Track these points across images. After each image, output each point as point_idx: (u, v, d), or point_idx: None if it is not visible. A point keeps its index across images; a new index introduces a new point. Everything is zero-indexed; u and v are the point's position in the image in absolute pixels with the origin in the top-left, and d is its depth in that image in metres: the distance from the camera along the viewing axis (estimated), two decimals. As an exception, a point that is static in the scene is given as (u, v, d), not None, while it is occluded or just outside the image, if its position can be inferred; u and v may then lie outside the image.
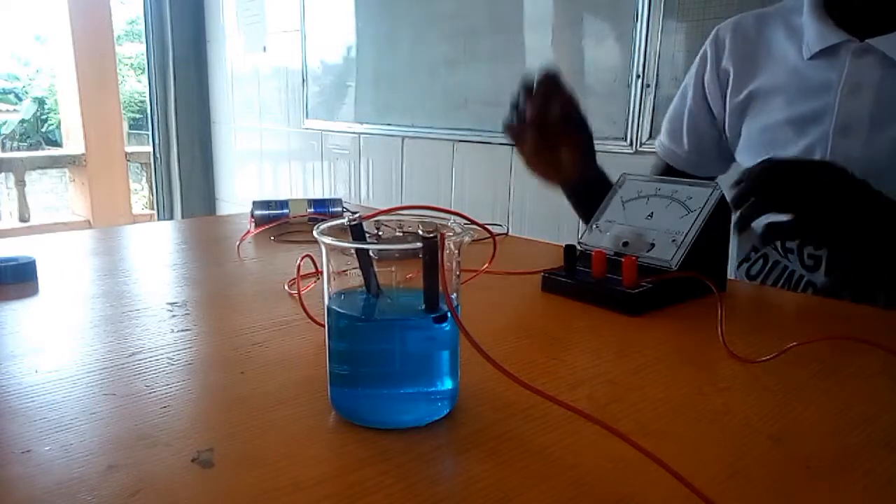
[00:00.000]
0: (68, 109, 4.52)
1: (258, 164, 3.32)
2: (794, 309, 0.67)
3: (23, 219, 4.41)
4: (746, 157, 0.93)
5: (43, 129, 9.96)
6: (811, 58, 0.83)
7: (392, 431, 0.40)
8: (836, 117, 0.80)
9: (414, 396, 0.41)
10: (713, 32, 0.96)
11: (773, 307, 0.68)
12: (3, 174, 4.75)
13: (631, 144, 1.71)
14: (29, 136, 9.96)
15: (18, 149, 9.08)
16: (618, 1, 1.70)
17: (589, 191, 0.93)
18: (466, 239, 0.40)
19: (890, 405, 0.45)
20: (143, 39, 3.57)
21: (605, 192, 0.80)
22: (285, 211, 1.04)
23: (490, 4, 2.04)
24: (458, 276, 0.42)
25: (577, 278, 0.67)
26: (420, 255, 0.38)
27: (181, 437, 0.39)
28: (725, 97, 0.94)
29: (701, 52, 0.97)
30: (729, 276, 0.73)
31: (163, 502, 0.33)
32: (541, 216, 2.01)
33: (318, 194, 2.90)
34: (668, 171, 1.04)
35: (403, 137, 2.43)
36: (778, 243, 0.88)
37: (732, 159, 0.99)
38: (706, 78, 0.95)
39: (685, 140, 1.00)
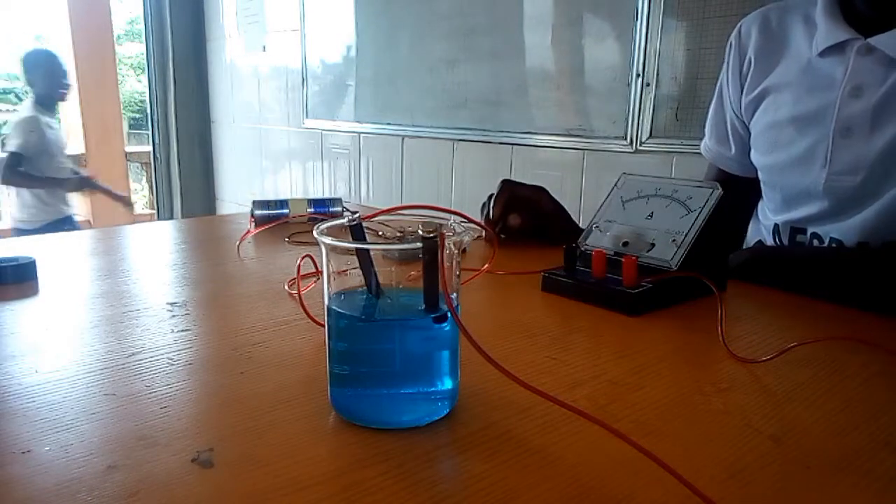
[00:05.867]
0: (68, 109, 4.52)
1: (258, 163, 3.32)
2: (794, 309, 0.67)
3: (23, 219, 4.41)
4: (755, 154, 0.92)
5: (43, 129, 9.94)
6: (820, 54, 0.82)
7: (392, 431, 0.40)
8: (837, 118, 0.80)
9: (414, 396, 0.41)
10: (737, 28, 0.94)
11: (773, 307, 0.68)
12: (3, 174, 4.74)
13: (631, 143, 1.71)
14: (29, 136, 9.94)
15: (18, 148, 9.06)
16: None
17: None
18: (466, 239, 0.40)
19: (890, 405, 0.45)
20: (143, 39, 3.57)
21: None
22: (285, 211, 1.04)
23: (490, 3, 2.04)
24: (458, 276, 0.42)
25: (577, 278, 0.67)
26: (420, 255, 0.38)
27: (181, 437, 0.39)
28: (742, 91, 0.93)
29: (726, 49, 0.95)
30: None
31: (162, 502, 0.33)
32: (541, 216, 2.01)
33: (318, 194, 2.90)
34: (721, 175, 1.01)
35: (403, 137, 2.42)
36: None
37: None
38: (730, 75, 0.95)
39: (731, 143, 0.98)
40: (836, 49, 0.80)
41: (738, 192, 0.98)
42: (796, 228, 0.88)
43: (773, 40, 0.90)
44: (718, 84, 0.99)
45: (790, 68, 0.86)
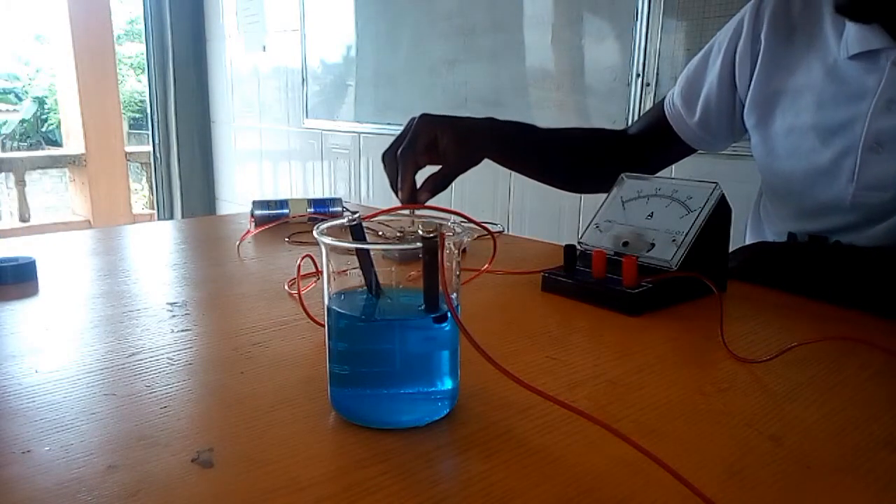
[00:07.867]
0: (68, 109, 4.53)
1: (258, 163, 3.32)
2: (794, 309, 0.67)
3: (23, 219, 4.42)
4: (769, 160, 0.86)
5: (43, 129, 9.95)
6: (850, 58, 0.75)
7: (392, 431, 0.40)
8: (867, 131, 0.74)
9: (414, 396, 0.41)
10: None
11: (773, 307, 0.68)
12: (3, 174, 4.76)
13: (631, 144, 1.71)
14: (29, 136, 9.96)
15: (18, 149, 9.08)
16: None
17: (507, 150, 0.92)
18: (466, 239, 0.40)
19: (890, 405, 0.45)
20: (143, 39, 3.57)
21: (522, 139, 0.92)
22: (285, 211, 1.04)
23: (490, 3, 2.04)
24: (458, 276, 0.42)
25: (577, 278, 0.67)
26: (420, 255, 0.38)
27: (181, 437, 0.39)
28: (752, 77, 0.85)
29: (738, 17, 0.86)
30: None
31: (163, 502, 0.33)
32: (541, 216, 2.01)
33: (318, 194, 2.90)
34: (662, 128, 0.95)
35: (403, 137, 2.42)
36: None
37: (735, 139, 0.93)
38: (739, 50, 0.85)
39: (697, 111, 0.91)
40: (868, 56, 0.74)
41: (659, 145, 0.96)
42: (816, 238, 0.83)
43: (794, 27, 0.81)
44: (709, 47, 0.90)
45: (813, 68, 0.79)
